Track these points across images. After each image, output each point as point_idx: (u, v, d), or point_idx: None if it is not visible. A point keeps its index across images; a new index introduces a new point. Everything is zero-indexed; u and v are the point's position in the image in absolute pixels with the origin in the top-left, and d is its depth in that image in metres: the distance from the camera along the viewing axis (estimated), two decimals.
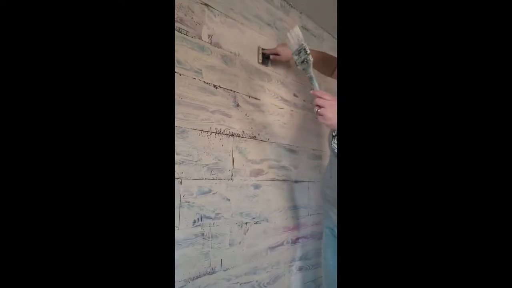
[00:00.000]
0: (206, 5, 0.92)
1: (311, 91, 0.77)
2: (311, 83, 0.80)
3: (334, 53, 1.51)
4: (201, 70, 0.89)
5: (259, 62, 1.09)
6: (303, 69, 0.82)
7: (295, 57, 0.82)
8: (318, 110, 0.74)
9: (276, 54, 1.09)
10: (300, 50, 0.80)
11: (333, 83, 1.47)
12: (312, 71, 0.80)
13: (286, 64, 1.20)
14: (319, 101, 0.73)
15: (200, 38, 0.89)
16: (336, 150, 0.90)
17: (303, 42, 0.79)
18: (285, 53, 1.06)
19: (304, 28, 1.32)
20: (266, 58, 1.11)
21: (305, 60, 0.80)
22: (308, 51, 0.79)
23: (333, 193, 0.91)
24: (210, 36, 0.92)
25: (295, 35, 0.81)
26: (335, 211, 0.91)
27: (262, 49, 1.10)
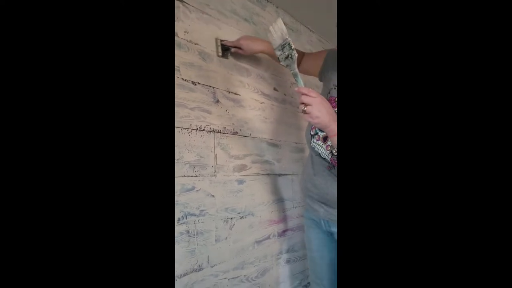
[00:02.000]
0: (181, 1, 0.91)
1: (296, 89, 0.72)
2: (295, 79, 0.75)
3: (312, 47, 1.52)
4: (178, 67, 0.88)
5: (218, 55, 1.01)
6: (287, 65, 0.75)
7: (278, 53, 0.75)
8: (305, 108, 0.69)
9: (238, 48, 1.01)
10: (284, 45, 0.74)
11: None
12: (296, 67, 0.75)
13: (265, 57, 1.20)
14: (305, 99, 0.69)
15: (176, 35, 0.88)
16: (316, 149, 0.91)
17: (287, 37, 0.73)
18: (249, 47, 1.00)
19: None
20: (225, 50, 1.02)
21: (290, 56, 0.74)
22: (293, 46, 0.73)
23: (316, 190, 0.92)
24: (186, 32, 0.91)
25: (278, 28, 0.74)
26: (321, 205, 0.92)
27: (221, 40, 1.01)
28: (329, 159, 0.87)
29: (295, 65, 0.75)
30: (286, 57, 0.75)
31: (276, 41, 0.75)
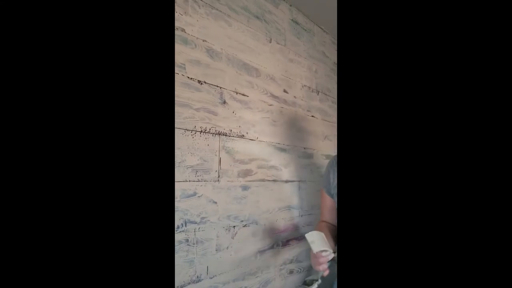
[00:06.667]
0: None
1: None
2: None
3: (325, 48, 1.46)
4: (184, 64, 0.83)
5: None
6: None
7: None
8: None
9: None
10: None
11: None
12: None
13: (275, 57, 1.15)
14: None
15: (183, 30, 0.83)
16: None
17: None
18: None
19: (294, 21, 1.27)
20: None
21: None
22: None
23: None
24: (194, 28, 0.86)
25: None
26: None
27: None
28: None
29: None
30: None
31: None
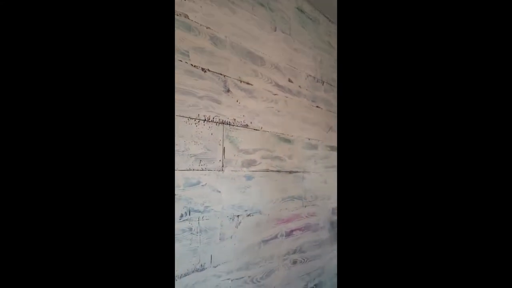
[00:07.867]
0: None
1: None
2: None
3: (330, 38, 1.44)
4: (188, 51, 0.81)
5: None
6: None
7: None
8: None
9: None
10: None
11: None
12: None
13: (280, 46, 1.13)
14: None
15: (186, 16, 0.82)
16: None
17: None
18: None
19: (299, 10, 1.25)
20: None
21: None
22: None
23: None
24: (197, 14, 0.84)
25: None
26: None
27: None
28: None
29: None
30: None
31: None
